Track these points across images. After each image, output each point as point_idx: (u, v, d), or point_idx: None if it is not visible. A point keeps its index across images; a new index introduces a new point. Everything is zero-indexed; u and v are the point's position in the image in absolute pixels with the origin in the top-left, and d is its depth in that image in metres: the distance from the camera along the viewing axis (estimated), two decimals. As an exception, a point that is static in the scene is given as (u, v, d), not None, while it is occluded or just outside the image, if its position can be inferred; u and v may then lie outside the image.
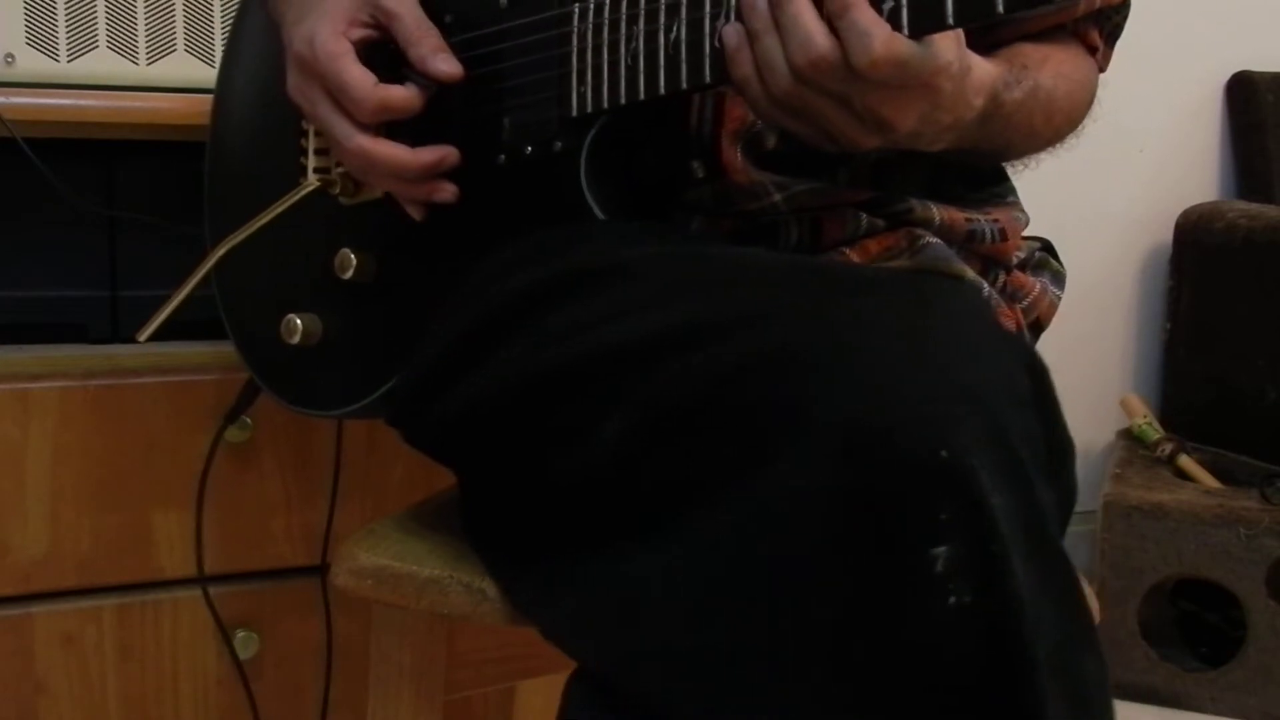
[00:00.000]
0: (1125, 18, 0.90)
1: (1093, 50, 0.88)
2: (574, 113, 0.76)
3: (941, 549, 0.52)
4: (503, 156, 0.81)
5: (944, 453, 0.52)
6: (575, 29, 0.75)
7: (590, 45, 0.75)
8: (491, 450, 0.73)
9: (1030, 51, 0.81)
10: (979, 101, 0.69)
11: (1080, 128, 0.86)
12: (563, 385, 0.66)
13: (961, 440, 0.53)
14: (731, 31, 0.66)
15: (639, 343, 0.63)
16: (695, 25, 0.69)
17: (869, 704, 0.53)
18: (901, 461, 0.53)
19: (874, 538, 0.53)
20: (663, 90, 0.71)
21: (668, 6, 0.70)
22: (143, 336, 0.91)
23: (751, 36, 0.65)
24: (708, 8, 0.68)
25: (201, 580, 1.17)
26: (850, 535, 0.53)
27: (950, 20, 0.59)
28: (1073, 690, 0.55)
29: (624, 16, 0.72)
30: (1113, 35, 0.90)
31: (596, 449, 0.64)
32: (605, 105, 0.74)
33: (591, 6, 0.74)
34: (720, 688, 0.57)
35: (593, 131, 0.76)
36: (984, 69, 0.70)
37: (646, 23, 0.71)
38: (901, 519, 0.52)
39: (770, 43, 0.64)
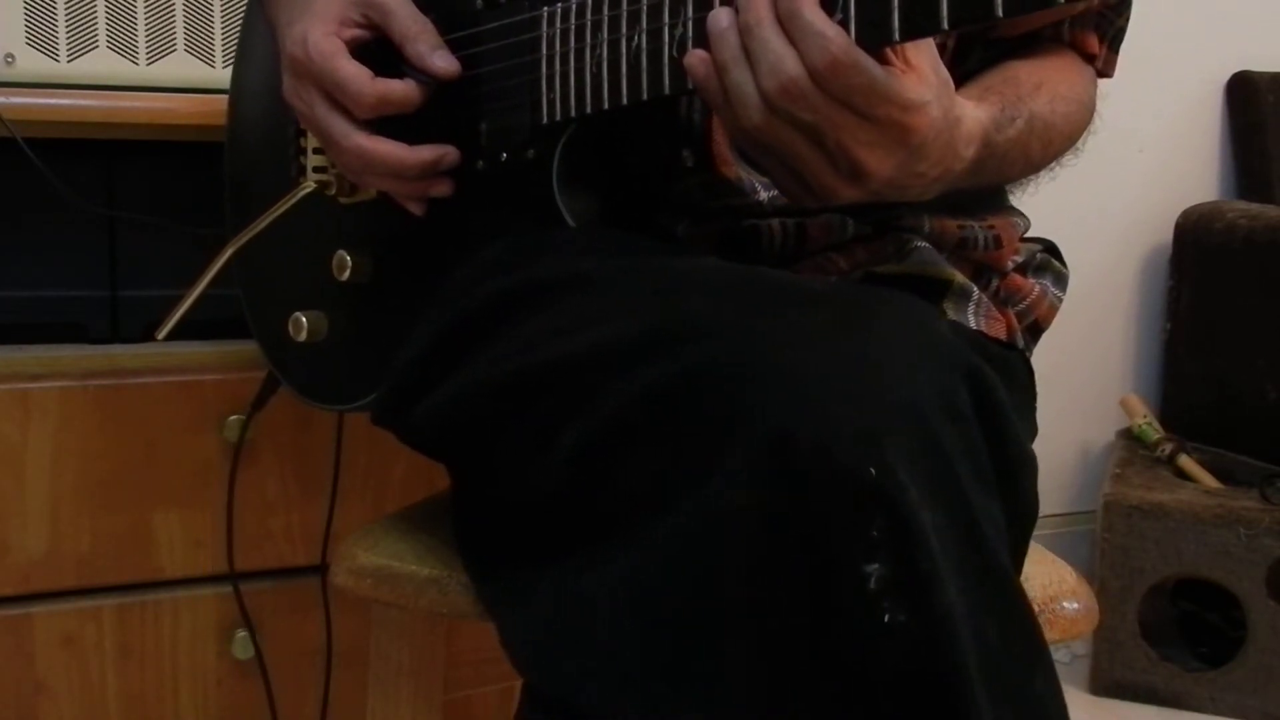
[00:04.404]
0: (1127, 19, 0.88)
1: (1090, 58, 0.87)
2: (545, 119, 0.76)
3: (874, 566, 0.52)
4: (481, 162, 0.81)
5: (873, 469, 0.52)
6: (544, 34, 0.75)
7: (559, 52, 0.74)
8: (468, 454, 0.73)
9: (1024, 77, 0.79)
10: (970, 152, 0.68)
11: (1079, 146, 0.85)
12: (525, 394, 0.67)
13: (891, 455, 0.53)
14: (697, 62, 0.64)
15: (593, 355, 0.63)
16: (654, 35, 0.68)
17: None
18: (832, 477, 0.52)
19: (806, 554, 0.53)
20: (625, 100, 0.70)
21: (629, 14, 0.69)
22: (160, 335, 0.92)
23: (720, 69, 0.63)
24: (665, 17, 0.67)
25: (233, 577, 1.17)
26: (783, 551, 0.53)
27: (896, 35, 0.59)
28: (1026, 710, 0.54)
29: (589, 23, 0.72)
30: (1116, 39, 0.88)
31: (554, 460, 0.64)
32: (573, 113, 0.74)
33: (559, 11, 0.74)
34: (660, 705, 0.56)
35: (564, 139, 0.75)
36: (974, 118, 0.69)
37: (610, 31, 0.71)
38: (833, 536, 0.52)
39: (739, 75, 0.63)
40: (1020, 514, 0.64)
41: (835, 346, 0.57)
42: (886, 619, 0.51)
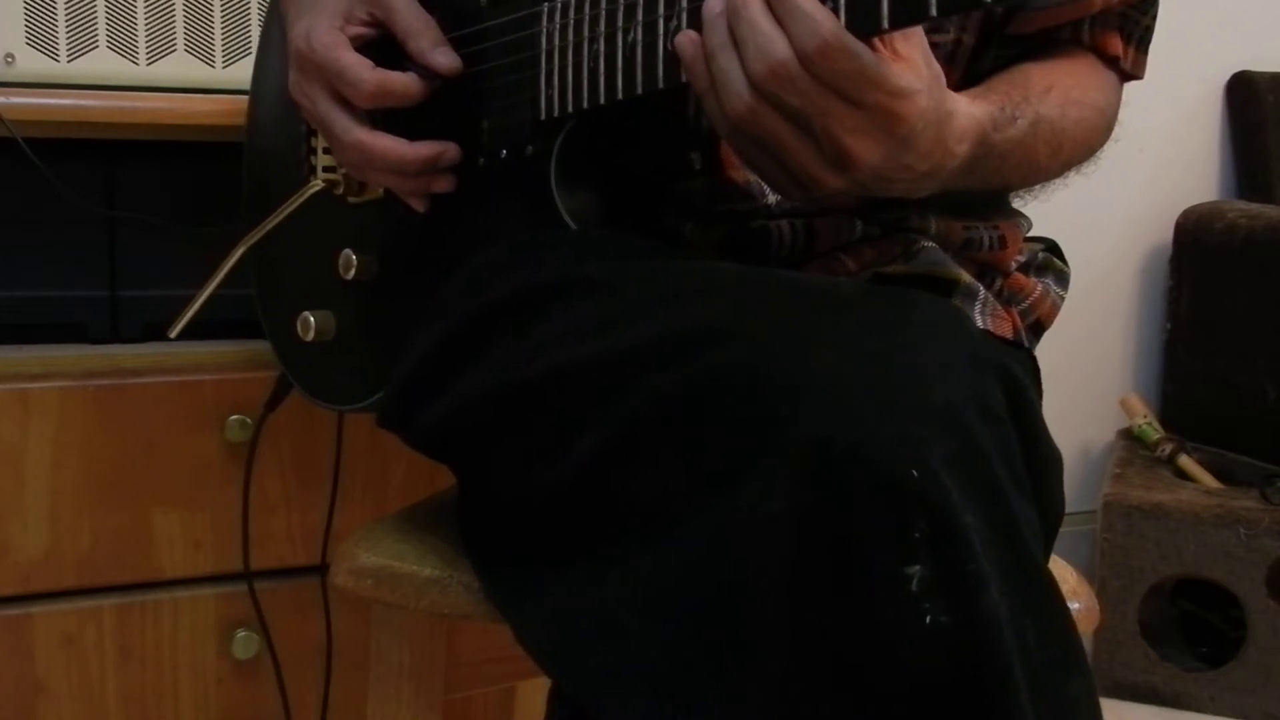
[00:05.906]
0: (1154, 18, 0.85)
1: (1113, 59, 0.84)
2: (543, 116, 0.75)
3: (916, 568, 0.51)
4: (482, 159, 0.81)
5: (915, 471, 0.52)
6: (544, 29, 0.75)
7: (557, 46, 0.74)
8: (477, 457, 0.73)
9: (1035, 79, 0.78)
10: (963, 148, 0.67)
11: (1097, 153, 0.83)
12: (539, 399, 0.66)
13: (932, 458, 0.52)
14: (686, 41, 0.64)
15: (611, 359, 0.63)
16: (650, 28, 0.68)
17: None
18: (872, 481, 0.52)
19: (846, 557, 0.52)
20: (620, 94, 0.70)
21: (626, 8, 0.69)
22: (173, 333, 0.94)
23: (708, 54, 0.63)
24: (661, 10, 0.67)
25: (248, 575, 1.17)
26: (822, 555, 0.52)
27: (885, 23, 0.58)
28: (1059, 713, 0.54)
29: (587, 17, 0.72)
30: (1143, 39, 0.85)
31: (570, 465, 0.63)
32: (570, 109, 0.74)
33: (559, 6, 0.74)
34: (695, 709, 0.56)
35: (561, 135, 0.75)
36: (968, 114, 0.68)
37: (607, 24, 0.70)
38: (874, 539, 0.52)
39: (726, 60, 0.62)
40: (1049, 513, 0.64)
41: (868, 350, 0.57)
42: (928, 620, 0.51)
